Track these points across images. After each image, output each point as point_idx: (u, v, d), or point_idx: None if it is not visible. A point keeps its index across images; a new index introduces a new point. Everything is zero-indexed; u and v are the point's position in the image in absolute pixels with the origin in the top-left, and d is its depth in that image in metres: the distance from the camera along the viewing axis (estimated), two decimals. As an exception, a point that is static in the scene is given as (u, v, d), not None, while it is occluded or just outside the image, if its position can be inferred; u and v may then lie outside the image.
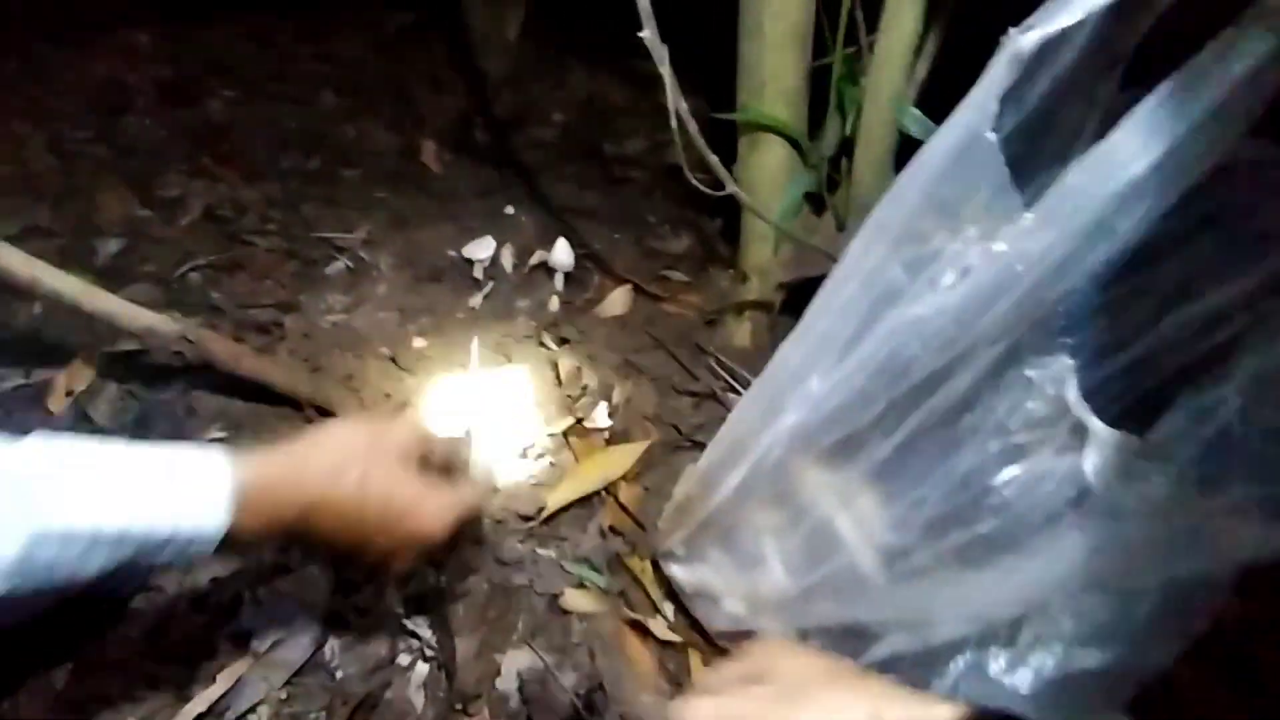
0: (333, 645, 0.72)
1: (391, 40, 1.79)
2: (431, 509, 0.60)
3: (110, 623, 0.70)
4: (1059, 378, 0.54)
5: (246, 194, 1.29)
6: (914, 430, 0.59)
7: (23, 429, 0.51)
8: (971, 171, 0.53)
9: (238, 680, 0.68)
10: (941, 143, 0.54)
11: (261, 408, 0.94)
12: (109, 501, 0.47)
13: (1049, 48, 0.52)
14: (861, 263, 0.60)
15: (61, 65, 1.47)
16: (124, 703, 0.66)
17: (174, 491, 0.49)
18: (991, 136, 0.51)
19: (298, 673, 0.70)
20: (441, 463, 0.67)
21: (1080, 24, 0.51)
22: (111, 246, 1.14)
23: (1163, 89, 0.44)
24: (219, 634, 0.71)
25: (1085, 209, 0.46)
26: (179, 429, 0.91)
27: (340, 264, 1.18)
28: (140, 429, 0.91)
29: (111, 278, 1.08)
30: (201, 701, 0.66)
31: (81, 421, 0.90)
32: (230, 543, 0.51)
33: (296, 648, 0.71)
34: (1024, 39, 0.49)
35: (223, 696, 0.67)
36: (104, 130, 1.35)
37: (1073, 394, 0.54)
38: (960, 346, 0.54)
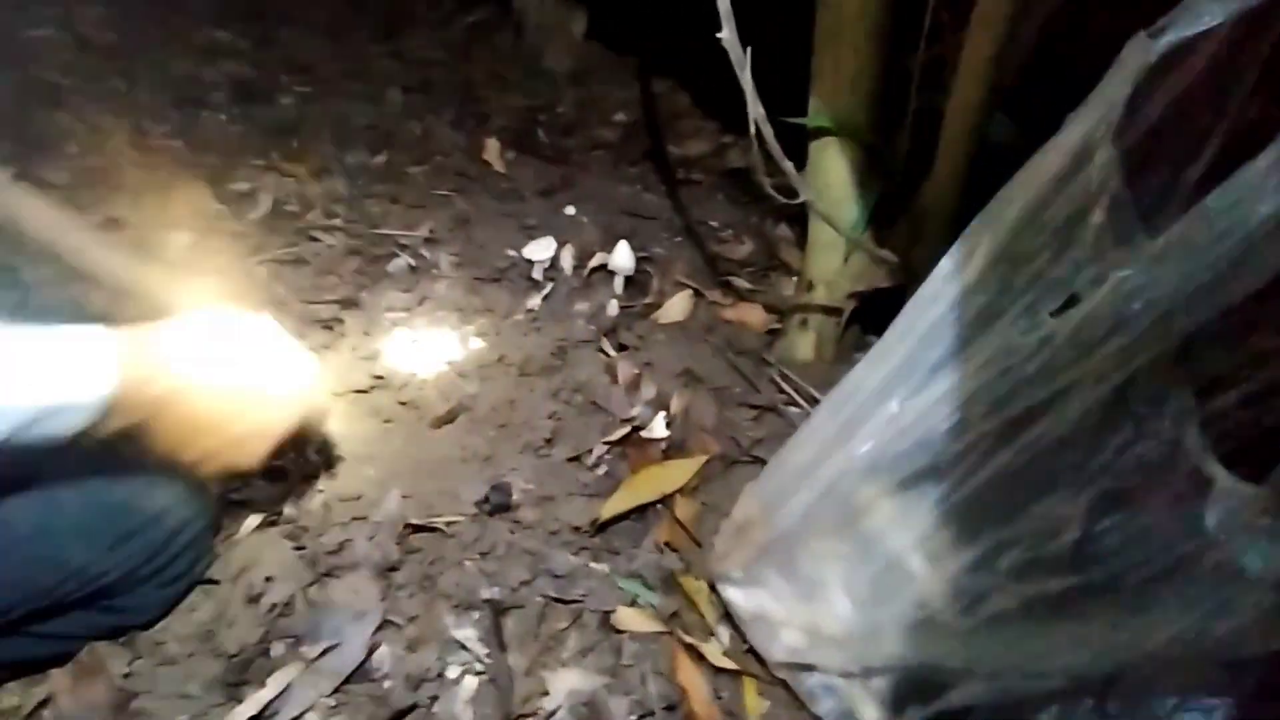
0: (382, 654, 0.71)
1: (460, 39, 1.80)
2: (278, 403, 0.65)
3: (162, 614, 0.71)
4: (1177, 419, 0.49)
5: (313, 190, 1.30)
6: (1005, 466, 0.54)
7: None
8: (1085, 188, 0.48)
9: (288, 685, 0.67)
10: (1051, 156, 0.49)
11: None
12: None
13: (1178, 53, 0.47)
14: (952, 282, 0.56)
15: (146, 61, 1.51)
16: (175, 700, 0.67)
17: (62, 361, 0.51)
18: (1110, 150, 0.46)
19: (346, 680, 0.69)
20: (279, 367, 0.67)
21: (1216, 28, 0.46)
22: (183, 239, 1.16)
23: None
24: (272, 635, 0.71)
25: (1229, 237, 0.41)
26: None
27: (402, 261, 1.18)
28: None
29: (181, 269, 1.10)
30: (252, 704, 0.65)
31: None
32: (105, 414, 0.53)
33: (346, 655, 0.70)
34: (1155, 43, 0.44)
35: (273, 700, 0.66)
36: (182, 125, 1.38)
37: (1192, 438, 0.48)
38: (1065, 380, 0.49)
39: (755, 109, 0.70)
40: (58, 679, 0.66)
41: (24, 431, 0.50)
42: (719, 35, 0.66)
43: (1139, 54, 0.48)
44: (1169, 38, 0.46)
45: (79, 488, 0.63)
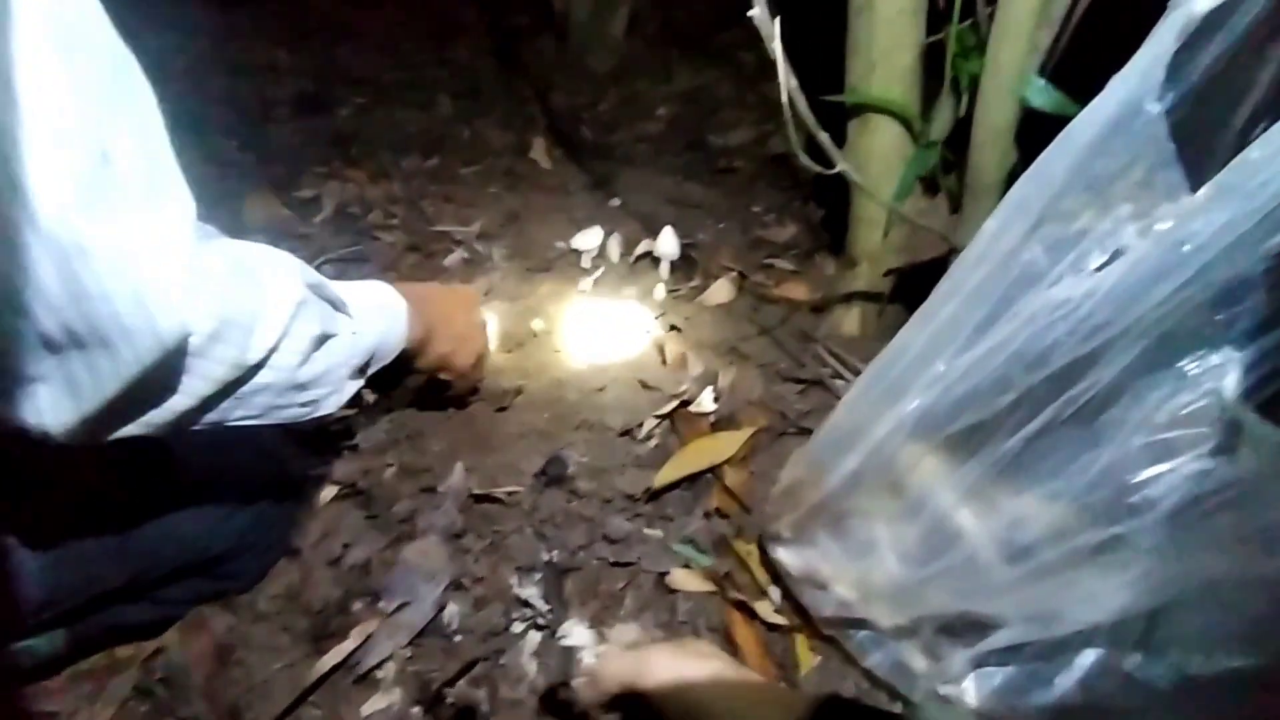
0: (451, 611, 0.76)
1: (505, 44, 1.87)
2: (479, 340, 0.90)
3: (258, 578, 0.77)
4: (1218, 371, 0.50)
5: (373, 193, 1.37)
6: (1049, 421, 0.55)
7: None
8: (1130, 146, 0.49)
9: (367, 637, 0.73)
10: (1096, 115, 0.51)
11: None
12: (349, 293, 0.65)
13: (1224, 9, 0.48)
14: (997, 244, 0.58)
15: (215, 82, 1.62)
16: (269, 651, 0.73)
17: (380, 302, 0.70)
18: (1155, 108, 0.47)
19: (420, 634, 0.74)
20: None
21: None
22: (257, 242, 1.24)
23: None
24: (352, 594, 0.77)
25: (1270, 186, 0.42)
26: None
27: (458, 255, 1.24)
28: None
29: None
30: (335, 655, 0.71)
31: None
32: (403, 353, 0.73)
33: (419, 611, 0.75)
34: (1199, 1, 0.46)
35: (354, 651, 0.72)
36: (250, 139, 1.48)
37: (1231, 389, 0.49)
38: (1109, 333, 0.50)
39: (788, 80, 0.73)
40: (167, 634, 0.73)
41: (380, 353, 0.68)
42: (750, 14, 0.69)
43: (1183, 12, 0.49)
44: (1213, -4, 0.47)
45: (194, 470, 0.69)
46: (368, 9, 1.93)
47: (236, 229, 1.22)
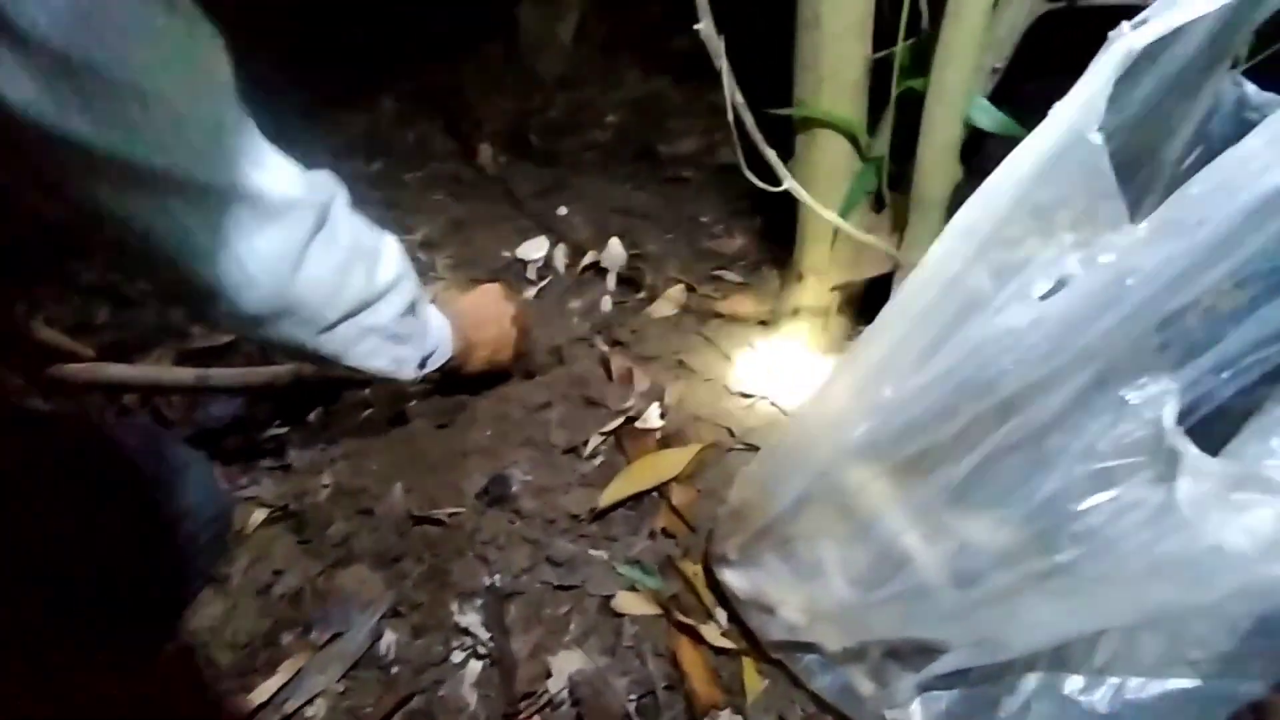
0: (389, 641, 0.73)
1: (451, 46, 1.82)
2: (515, 330, 0.95)
3: (180, 609, 0.72)
4: (1158, 400, 0.50)
5: (311, 197, 1.32)
6: (995, 449, 0.56)
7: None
8: (1072, 175, 0.50)
9: (297, 672, 0.69)
10: (1039, 143, 0.51)
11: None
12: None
13: (1160, 42, 0.49)
14: (943, 268, 0.57)
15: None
16: (190, 689, 0.68)
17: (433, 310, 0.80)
18: (1097, 138, 0.48)
19: (354, 666, 0.70)
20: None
21: (1200, 17, 0.48)
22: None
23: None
24: (281, 625, 0.73)
25: (1210, 222, 0.42)
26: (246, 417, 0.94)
27: (399, 264, 1.20)
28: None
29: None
30: (262, 692, 0.67)
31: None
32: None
33: (353, 642, 0.71)
34: (1138, 34, 0.46)
35: (283, 687, 0.68)
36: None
37: (1170, 419, 0.50)
38: (1054, 364, 0.50)
39: (733, 95, 0.72)
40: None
41: (439, 352, 0.79)
42: (696, 27, 0.68)
43: (1122, 44, 0.50)
44: (1154, 28, 0.48)
45: (107, 496, 0.64)
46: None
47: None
